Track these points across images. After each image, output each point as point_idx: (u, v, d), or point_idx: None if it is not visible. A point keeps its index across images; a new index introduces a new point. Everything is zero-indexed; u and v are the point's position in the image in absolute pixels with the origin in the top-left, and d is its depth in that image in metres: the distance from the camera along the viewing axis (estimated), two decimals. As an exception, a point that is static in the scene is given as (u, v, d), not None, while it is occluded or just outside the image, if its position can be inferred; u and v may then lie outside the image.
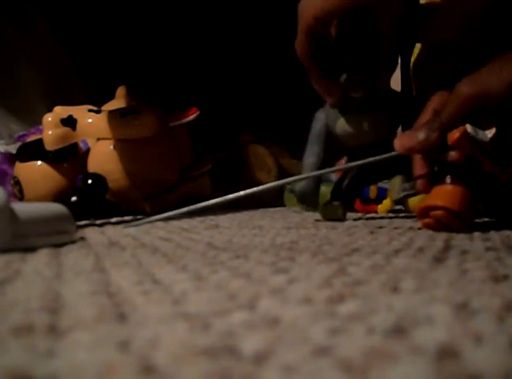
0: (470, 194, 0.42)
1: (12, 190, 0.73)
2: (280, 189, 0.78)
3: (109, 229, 0.52)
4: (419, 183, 0.45)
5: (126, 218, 0.67)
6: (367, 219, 0.58)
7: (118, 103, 0.76)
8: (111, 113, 0.71)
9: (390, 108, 0.50)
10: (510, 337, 0.14)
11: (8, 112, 0.89)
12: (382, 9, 0.44)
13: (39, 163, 0.72)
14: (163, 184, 0.74)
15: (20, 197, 0.73)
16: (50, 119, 0.70)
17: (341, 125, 0.51)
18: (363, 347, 0.14)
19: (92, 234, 0.48)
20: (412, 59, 0.53)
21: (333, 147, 0.53)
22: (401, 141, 0.43)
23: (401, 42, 0.49)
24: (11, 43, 0.92)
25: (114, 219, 0.65)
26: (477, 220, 0.44)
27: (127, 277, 0.24)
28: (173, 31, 1.11)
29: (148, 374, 0.12)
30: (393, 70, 0.50)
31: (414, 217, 0.54)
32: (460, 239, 0.37)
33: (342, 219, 0.54)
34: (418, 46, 0.52)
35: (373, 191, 0.68)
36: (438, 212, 0.42)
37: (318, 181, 0.53)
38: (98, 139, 0.71)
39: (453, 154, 0.42)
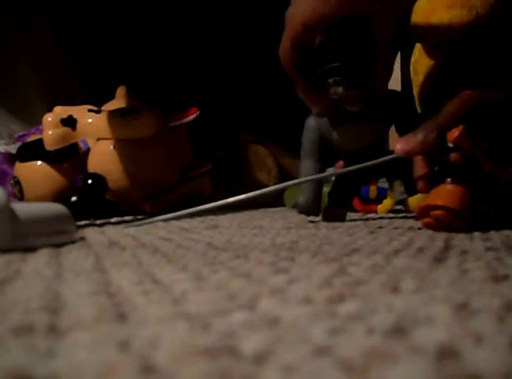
0: (470, 194, 0.42)
1: (12, 190, 0.73)
2: (280, 190, 0.78)
3: (109, 229, 0.52)
4: (420, 184, 0.45)
5: (126, 218, 0.67)
6: (367, 219, 0.58)
7: (118, 103, 0.76)
8: (111, 113, 0.71)
9: (385, 111, 0.50)
10: (510, 337, 0.14)
11: (8, 112, 0.89)
12: (375, 17, 0.44)
13: (39, 163, 0.72)
14: (163, 184, 0.74)
15: (20, 197, 0.73)
16: (50, 119, 0.70)
17: (338, 134, 0.50)
18: (363, 347, 0.14)
19: (92, 234, 0.48)
20: (412, 59, 0.53)
21: (328, 152, 0.52)
22: (400, 145, 0.44)
23: (398, 45, 0.49)
24: (11, 43, 0.92)
25: (114, 219, 0.65)
26: (477, 220, 0.44)
27: (127, 277, 0.24)
28: (173, 32, 1.11)
29: (148, 374, 0.12)
30: (389, 77, 0.50)
31: (414, 217, 0.54)
32: (460, 239, 0.37)
33: (342, 220, 0.54)
34: (418, 46, 0.52)
35: (373, 191, 0.68)
36: (439, 212, 0.42)
37: (319, 191, 0.53)
38: (98, 139, 0.71)
39: (452, 155, 0.42)
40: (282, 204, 0.80)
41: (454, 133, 0.41)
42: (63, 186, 0.71)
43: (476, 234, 0.40)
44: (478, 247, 0.33)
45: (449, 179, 0.43)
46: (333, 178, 0.63)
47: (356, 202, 0.68)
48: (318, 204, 0.53)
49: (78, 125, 0.71)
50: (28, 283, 0.24)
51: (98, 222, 0.62)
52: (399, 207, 0.70)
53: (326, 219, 0.54)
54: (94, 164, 0.70)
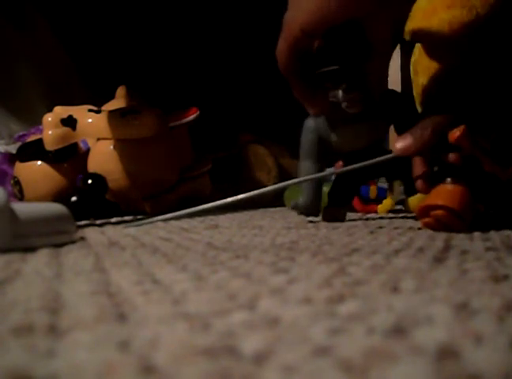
0: (470, 194, 0.43)
1: (12, 190, 0.73)
2: (280, 190, 0.78)
3: (109, 229, 0.52)
4: (419, 183, 0.45)
5: (126, 218, 0.67)
6: (367, 219, 0.58)
7: (118, 103, 0.76)
8: (111, 113, 0.71)
9: (385, 111, 0.50)
10: (510, 337, 0.14)
11: (8, 112, 0.89)
12: (374, 20, 0.43)
13: (39, 163, 0.72)
14: (163, 184, 0.74)
15: (20, 197, 0.73)
16: (50, 119, 0.70)
17: (337, 135, 0.50)
18: (363, 347, 0.14)
19: (92, 234, 0.48)
20: (412, 59, 0.53)
21: (327, 152, 0.52)
22: (398, 143, 0.44)
23: (394, 45, 0.49)
24: (11, 43, 0.92)
25: (114, 219, 0.65)
26: (477, 220, 0.44)
27: (127, 277, 0.24)
28: (173, 32, 1.11)
29: (148, 374, 0.12)
30: (386, 77, 0.50)
31: (414, 217, 0.54)
32: (460, 239, 0.37)
33: (342, 220, 0.54)
34: (418, 46, 0.52)
35: (373, 191, 0.68)
36: (439, 212, 0.42)
37: (319, 192, 0.53)
38: (98, 139, 0.71)
39: (451, 155, 0.42)
40: (282, 204, 0.80)
41: (456, 133, 0.41)
42: (63, 186, 0.71)
43: (476, 234, 0.40)
44: (478, 247, 0.33)
45: (449, 179, 0.43)
46: (333, 178, 0.63)
47: (356, 202, 0.68)
48: (318, 205, 0.53)
49: (78, 125, 0.71)
50: (28, 283, 0.24)
51: (98, 222, 0.62)
52: (399, 207, 0.70)
53: (326, 219, 0.54)
54: (94, 164, 0.70)
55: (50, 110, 0.72)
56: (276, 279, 0.23)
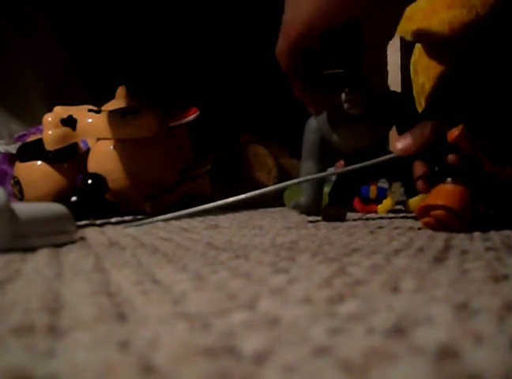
0: (470, 194, 0.43)
1: (12, 190, 0.73)
2: (280, 190, 0.78)
3: (109, 229, 0.52)
4: (419, 183, 0.45)
5: (126, 218, 0.67)
6: (367, 219, 0.58)
7: (118, 103, 0.76)
8: (111, 113, 0.71)
9: (386, 112, 0.50)
10: (510, 337, 0.14)
11: (8, 112, 0.89)
12: (373, 20, 0.43)
13: (39, 163, 0.72)
14: (163, 184, 0.74)
15: (20, 197, 0.73)
16: (50, 119, 0.70)
17: (339, 136, 0.50)
18: (363, 347, 0.14)
19: (92, 234, 0.48)
20: (412, 59, 0.53)
21: (329, 152, 0.53)
22: (398, 144, 0.44)
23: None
24: (11, 43, 0.92)
25: (114, 219, 0.65)
26: (477, 220, 0.44)
27: (127, 277, 0.24)
28: (173, 32, 1.11)
29: (148, 374, 0.12)
30: (385, 75, 0.50)
31: (414, 217, 0.54)
32: (460, 239, 0.37)
33: (342, 220, 0.54)
34: (418, 46, 0.52)
35: (373, 191, 0.68)
36: (439, 212, 0.42)
37: (320, 191, 0.53)
38: (98, 139, 0.71)
39: (450, 156, 0.42)
40: (282, 204, 0.80)
41: (454, 133, 0.41)
42: (63, 186, 0.71)
43: (476, 234, 0.40)
44: (478, 247, 0.33)
45: (449, 179, 0.43)
46: (334, 178, 0.63)
47: (356, 202, 0.68)
48: (319, 205, 0.53)
49: (78, 125, 0.71)
50: (28, 283, 0.24)
51: (98, 222, 0.62)
52: (399, 207, 0.70)
53: (326, 218, 0.54)
54: (94, 164, 0.70)
55: (50, 110, 0.72)
56: (276, 279, 0.23)
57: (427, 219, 0.43)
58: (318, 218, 0.55)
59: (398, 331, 0.15)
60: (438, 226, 0.43)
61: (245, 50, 1.13)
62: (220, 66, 1.13)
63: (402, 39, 0.52)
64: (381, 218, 0.59)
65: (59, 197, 0.68)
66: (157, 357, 0.13)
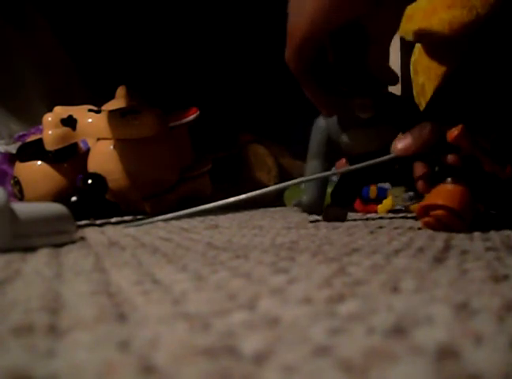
0: (470, 194, 0.43)
1: (12, 190, 0.73)
2: (280, 190, 0.78)
3: (109, 229, 0.52)
4: (419, 184, 0.45)
5: (126, 218, 0.67)
6: (367, 219, 0.58)
7: (118, 103, 0.76)
8: (111, 113, 0.71)
9: (395, 116, 0.50)
10: (510, 337, 0.14)
11: (8, 112, 0.89)
12: (373, 19, 0.43)
13: (39, 163, 0.72)
14: (163, 184, 0.74)
15: (20, 197, 0.73)
16: (50, 119, 0.70)
17: (347, 138, 0.51)
18: (363, 347, 0.14)
19: (92, 234, 0.48)
20: (412, 59, 0.53)
21: (334, 153, 0.53)
22: (398, 144, 0.44)
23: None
24: (11, 43, 0.92)
25: (114, 219, 0.65)
26: (477, 220, 0.44)
27: (127, 277, 0.24)
28: (173, 32, 1.11)
29: (148, 374, 0.12)
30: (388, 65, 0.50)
31: (414, 217, 0.54)
32: (460, 239, 0.37)
33: (343, 220, 0.54)
34: (418, 46, 0.52)
35: (373, 191, 0.68)
36: (439, 211, 0.42)
37: (324, 190, 0.53)
38: (98, 139, 0.71)
39: (450, 157, 0.42)
40: (282, 204, 0.80)
41: (454, 132, 0.41)
42: (63, 186, 0.71)
43: (476, 234, 0.40)
44: (478, 247, 0.33)
45: (449, 179, 0.43)
46: (334, 178, 0.63)
47: (356, 202, 0.68)
48: (321, 204, 0.53)
49: (78, 125, 0.71)
50: (28, 283, 0.24)
51: (98, 222, 0.62)
52: (399, 207, 0.70)
53: (327, 218, 0.54)
54: (94, 164, 0.70)
55: (50, 110, 0.72)
56: (276, 279, 0.23)
57: (427, 219, 0.43)
58: (319, 218, 0.55)
59: (398, 331, 0.15)
60: (438, 226, 0.43)
61: (245, 50, 1.13)
62: (220, 66, 1.13)
63: (402, 39, 0.52)
64: (381, 218, 0.59)
65: (59, 197, 0.68)
66: (157, 357, 0.13)
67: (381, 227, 0.46)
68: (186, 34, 1.13)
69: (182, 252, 0.33)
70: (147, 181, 0.71)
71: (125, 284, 0.23)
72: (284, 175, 0.89)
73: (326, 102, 0.48)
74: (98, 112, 0.72)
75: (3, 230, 0.33)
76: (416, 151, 0.44)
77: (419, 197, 0.50)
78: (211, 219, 0.59)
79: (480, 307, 0.17)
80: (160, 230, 0.49)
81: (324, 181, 0.53)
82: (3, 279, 0.24)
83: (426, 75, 0.51)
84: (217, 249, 0.34)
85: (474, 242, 0.35)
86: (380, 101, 0.47)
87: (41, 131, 0.73)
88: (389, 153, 0.50)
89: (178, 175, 0.76)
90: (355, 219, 0.56)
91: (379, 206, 0.67)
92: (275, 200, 0.82)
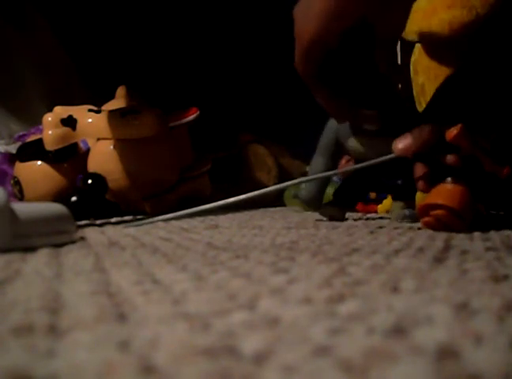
0: (470, 194, 0.43)
1: (12, 190, 0.73)
2: (280, 190, 0.78)
3: (109, 229, 0.52)
4: (420, 184, 0.45)
5: (126, 218, 0.67)
6: (367, 219, 0.58)
7: (118, 103, 0.76)
8: (111, 113, 0.71)
9: (399, 129, 0.51)
10: (510, 337, 0.14)
11: (8, 112, 0.89)
12: (379, 18, 0.43)
13: (39, 163, 0.72)
14: (163, 184, 0.74)
15: (20, 197, 0.73)
16: (50, 119, 0.70)
17: (353, 143, 0.51)
18: (363, 347, 0.14)
19: (92, 234, 0.48)
20: (412, 59, 0.53)
21: (340, 155, 0.53)
22: (398, 144, 0.44)
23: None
24: (11, 43, 0.92)
25: (114, 219, 0.65)
26: (477, 220, 0.44)
27: (127, 277, 0.24)
28: (173, 32, 1.11)
29: (148, 374, 0.12)
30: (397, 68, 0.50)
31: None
32: (460, 239, 0.37)
33: (341, 220, 0.54)
34: (418, 46, 0.52)
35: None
36: (439, 211, 0.42)
37: (323, 186, 0.54)
38: (98, 139, 0.71)
39: (449, 157, 0.42)
40: (282, 204, 0.80)
41: (453, 132, 0.41)
42: (63, 186, 0.71)
43: (476, 234, 0.40)
44: (478, 247, 0.33)
45: (449, 179, 0.43)
46: (336, 178, 0.63)
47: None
48: (320, 199, 0.53)
49: (78, 125, 0.71)
50: (28, 283, 0.24)
51: (98, 222, 0.62)
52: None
53: (323, 214, 0.54)
54: (94, 164, 0.70)
55: (50, 110, 0.72)
56: (276, 279, 0.23)
57: (427, 219, 0.43)
58: (319, 217, 0.55)
59: (398, 331, 0.15)
60: (438, 225, 0.43)
61: (245, 50, 1.13)
62: (220, 66, 1.13)
63: (402, 39, 0.52)
64: (381, 218, 0.59)
65: (59, 197, 0.68)
66: (157, 357, 0.13)
67: (381, 227, 0.46)
68: (187, 34, 1.13)
69: (182, 252, 0.33)
70: (147, 181, 0.71)
71: (125, 284, 0.23)
72: (284, 175, 0.89)
73: (337, 107, 0.48)
74: (98, 112, 0.72)
75: (3, 230, 0.33)
76: (416, 151, 0.44)
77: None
78: (211, 219, 0.59)
79: (480, 307, 0.17)
80: (160, 230, 0.49)
81: (324, 179, 0.53)
82: (3, 279, 0.24)
83: (426, 75, 0.51)
84: (217, 249, 0.34)
85: (474, 242, 0.35)
86: (387, 113, 0.48)
87: (41, 131, 0.72)
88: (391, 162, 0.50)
89: (178, 175, 0.76)
90: (355, 219, 0.56)
91: (379, 206, 0.67)
92: (275, 200, 0.82)
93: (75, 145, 0.71)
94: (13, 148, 0.78)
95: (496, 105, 0.44)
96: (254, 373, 0.12)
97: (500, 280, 0.22)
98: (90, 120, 0.71)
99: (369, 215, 0.63)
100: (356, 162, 0.53)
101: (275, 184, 0.82)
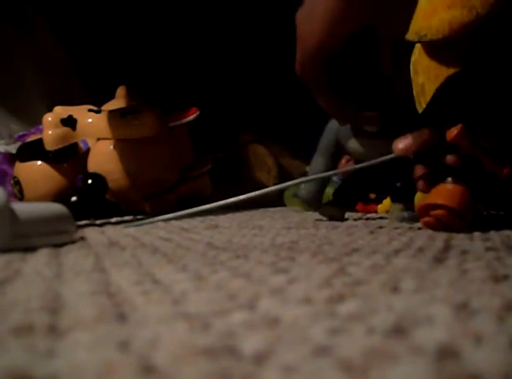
0: (470, 194, 0.43)
1: (12, 190, 0.73)
2: (280, 190, 0.78)
3: (109, 229, 0.52)
4: (420, 184, 0.45)
5: (126, 218, 0.67)
6: (367, 219, 0.58)
7: (118, 103, 0.76)
8: (111, 113, 0.71)
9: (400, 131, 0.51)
10: (510, 337, 0.14)
11: (8, 112, 0.89)
12: (383, 23, 0.43)
13: (39, 163, 0.72)
14: (163, 184, 0.74)
15: (20, 197, 0.73)
16: (50, 119, 0.70)
17: (354, 144, 0.51)
18: (363, 347, 0.14)
19: (92, 234, 0.48)
20: (412, 59, 0.53)
21: (340, 156, 0.54)
22: (399, 144, 0.44)
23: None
24: (11, 43, 0.92)
25: (114, 219, 0.65)
26: (477, 220, 0.44)
27: (127, 277, 0.24)
28: (173, 32, 1.11)
29: (148, 374, 0.12)
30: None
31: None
32: (460, 239, 0.37)
33: (340, 220, 0.54)
34: (418, 46, 0.52)
35: (373, 191, 0.68)
36: (439, 211, 0.42)
37: (323, 186, 0.54)
38: (98, 139, 0.71)
39: (449, 157, 0.42)
40: (282, 204, 0.80)
41: (453, 132, 0.41)
42: (63, 186, 0.71)
43: (476, 234, 0.40)
44: (478, 247, 0.33)
45: (449, 178, 0.43)
46: (335, 179, 0.63)
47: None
48: (319, 199, 0.54)
49: (78, 125, 0.71)
50: (28, 283, 0.24)
51: (98, 222, 0.62)
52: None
53: (323, 214, 0.54)
54: (94, 164, 0.70)
55: (50, 110, 0.72)
56: (276, 279, 0.23)
57: (427, 219, 0.43)
58: (319, 217, 0.55)
59: (398, 331, 0.15)
60: (438, 225, 0.43)
61: (245, 50, 1.13)
62: (220, 66, 1.13)
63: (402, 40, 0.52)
64: (381, 218, 0.59)
65: (59, 197, 0.68)
66: (157, 357, 0.13)
67: (381, 227, 0.46)
68: (187, 34, 1.13)
69: (182, 252, 0.33)
70: (147, 181, 0.71)
71: (125, 284, 0.23)
72: (284, 175, 0.89)
73: (342, 110, 0.48)
74: (98, 112, 0.72)
75: (3, 230, 0.33)
76: (416, 151, 0.44)
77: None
78: (211, 219, 0.59)
79: (480, 307, 0.17)
80: (160, 230, 0.49)
81: (324, 179, 0.54)
82: (3, 279, 0.24)
83: (426, 75, 0.51)
84: (217, 249, 0.34)
85: (474, 242, 0.35)
86: (388, 114, 0.48)
87: (41, 131, 0.72)
88: (392, 164, 0.50)
89: (178, 175, 0.76)
90: (355, 219, 0.56)
91: (379, 206, 0.67)
92: (275, 200, 0.82)
93: (75, 145, 0.71)
94: (13, 148, 0.78)
95: (496, 105, 0.44)
96: (254, 373, 0.12)
97: (500, 280, 0.22)
98: (90, 120, 0.71)
99: (369, 215, 0.63)
100: (357, 163, 0.53)
101: (275, 184, 0.82)
